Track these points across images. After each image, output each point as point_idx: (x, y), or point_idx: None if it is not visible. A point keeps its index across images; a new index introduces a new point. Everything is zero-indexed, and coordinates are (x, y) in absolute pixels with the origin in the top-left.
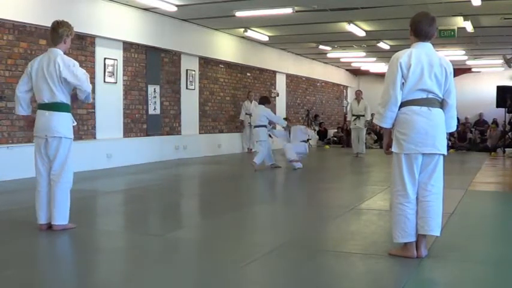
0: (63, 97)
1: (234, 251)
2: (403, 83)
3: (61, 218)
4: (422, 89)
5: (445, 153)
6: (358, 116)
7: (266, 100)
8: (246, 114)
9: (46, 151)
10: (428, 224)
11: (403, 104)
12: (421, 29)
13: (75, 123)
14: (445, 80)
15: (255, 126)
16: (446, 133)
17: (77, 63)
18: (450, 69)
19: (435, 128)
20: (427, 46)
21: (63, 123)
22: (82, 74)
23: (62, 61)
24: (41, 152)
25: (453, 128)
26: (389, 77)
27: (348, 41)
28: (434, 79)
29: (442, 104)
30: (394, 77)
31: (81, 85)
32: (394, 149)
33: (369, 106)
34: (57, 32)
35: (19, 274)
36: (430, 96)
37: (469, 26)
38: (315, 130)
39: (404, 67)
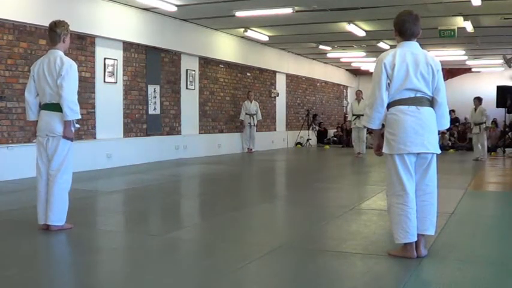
0: None
1: (233, 251)
2: (388, 84)
3: (56, 218)
4: (409, 88)
5: (438, 151)
6: (358, 116)
7: None
8: (246, 114)
9: (46, 151)
10: (423, 224)
11: (391, 104)
12: (406, 28)
13: (79, 126)
14: (432, 78)
15: None
16: (444, 131)
17: (74, 66)
18: (437, 67)
19: (424, 127)
20: (412, 45)
21: (63, 123)
22: (70, 82)
23: (61, 61)
24: (41, 152)
25: (445, 126)
26: (375, 78)
27: (348, 41)
28: (421, 78)
29: (432, 102)
30: (379, 78)
31: (62, 89)
32: (385, 149)
33: None
34: (55, 32)
35: (19, 275)
36: (418, 95)
37: (469, 26)
38: (314, 130)
39: (389, 67)
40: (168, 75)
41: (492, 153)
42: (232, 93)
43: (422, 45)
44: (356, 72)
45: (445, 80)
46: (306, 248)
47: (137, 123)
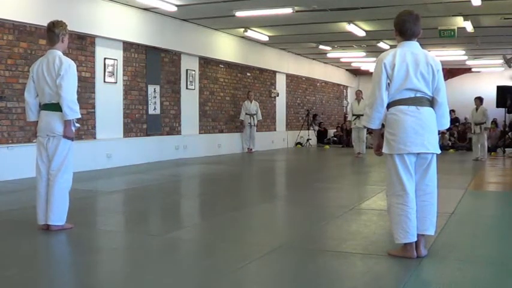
0: None
1: (233, 251)
2: (388, 84)
3: (57, 218)
4: (409, 88)
5: (438, 151)
6: (358, 116)
7: None
8: (246, 114)
9: (47, 151)
10: (423, 224)
11: (391, 104)
12: (406, 28)
13: (79, 126)
14: (432, 78)
15: None
16: (444, 131)
17: (73, 66)
18: (438, 67)
19: (424, 127)
20: (412, 45)
21: (63, 122)
22: (69, 82)
23: (59, 61)
24: (41, 152)
25: (445, 126)
26: (375, 78)
27: (348, 41)
28: (421, 78)
29: (432, 102)
30: (379, 78)
31: (62, 89)
32: (384, 149)
33: None
34: (54, 32)
35: (19, 275)
36: (418, 95)
37: (469, 26)
38: (314, 130)
39: (389, 67)
40: (168, 75)
41: (492, 153)
42: (232, 93)
43: (422, 45)
44: (356, 72)
45: (445, 80)
46: (306, 248)
47: (137, 123)
